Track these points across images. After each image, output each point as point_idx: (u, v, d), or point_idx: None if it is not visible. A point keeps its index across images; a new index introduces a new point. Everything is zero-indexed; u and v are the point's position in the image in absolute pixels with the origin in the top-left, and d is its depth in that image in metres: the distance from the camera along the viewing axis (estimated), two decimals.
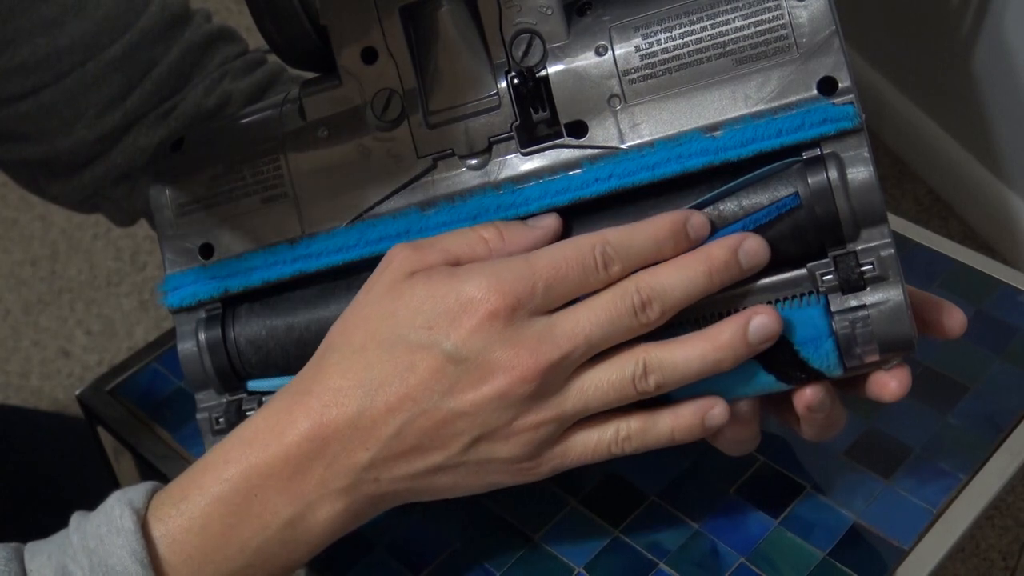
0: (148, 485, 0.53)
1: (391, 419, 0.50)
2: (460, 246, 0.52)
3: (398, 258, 0.52)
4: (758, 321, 0.50)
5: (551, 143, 0.55)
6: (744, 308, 0.52)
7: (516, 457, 0.51)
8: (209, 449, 0.53)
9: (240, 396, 0.58)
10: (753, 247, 0.51)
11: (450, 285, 0.50)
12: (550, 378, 0.49)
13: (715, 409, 0.51)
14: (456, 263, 0.52)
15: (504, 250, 0.52)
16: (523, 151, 0.55)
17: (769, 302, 0.52)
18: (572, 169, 0.54)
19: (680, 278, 0.50)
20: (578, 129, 0.54)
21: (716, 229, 0.52)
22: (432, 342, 0.49)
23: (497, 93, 0.55)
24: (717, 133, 0.52)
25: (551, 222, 0.53)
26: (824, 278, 0.51)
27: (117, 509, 0.51)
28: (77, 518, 0.52)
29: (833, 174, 0.50)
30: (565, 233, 0.54)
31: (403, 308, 0.50)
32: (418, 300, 0.50)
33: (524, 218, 0.54)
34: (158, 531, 0.51)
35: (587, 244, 0.51)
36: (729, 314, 0.51)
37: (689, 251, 0.51)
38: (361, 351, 0.51)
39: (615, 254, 0.50)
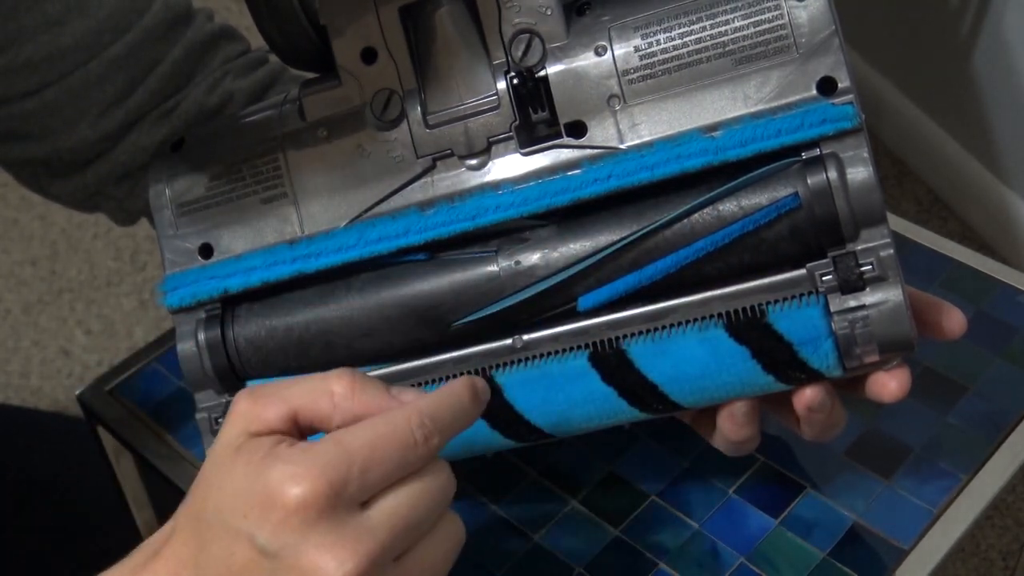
0: None
1: None
2: (303, 398, 0.48)
3: (235, 411, 0.48)
4: None
5: (550, 143, 0.54)
6: (741, 307, 0.52)
7: None
8: None
9: None
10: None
11: (264, 470, 0.45)
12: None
13: None
14: (295, 417, 0.48)
15: (350, 411, 0.48)
16: (522, 151, 0.55)
17: (768, 302, 0.52)
18: (571, 169, 0.54)
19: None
20: (577, 129, 0.54)
21: (716, 230, 0.52)
22: (248, 533, 0.45)
23: (496, 93, 0.55)
24: (716, 133, 0.52)
25: (412, 398, 0.48)
26: (823, 278, 0.51)
27: None
28: None
29: (832, 174, 0.50)
30: (569, 235, 0.54)
31: (226, 487, 0.47)
32: (238, 481, 0.46)
33: (523, 218, 0.54)
34: None
35: (401, 418, 0.46)
36: (719, 312, 0.51)
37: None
38: (197, 522, 0.48)
39: (432, 426, 0.47)
